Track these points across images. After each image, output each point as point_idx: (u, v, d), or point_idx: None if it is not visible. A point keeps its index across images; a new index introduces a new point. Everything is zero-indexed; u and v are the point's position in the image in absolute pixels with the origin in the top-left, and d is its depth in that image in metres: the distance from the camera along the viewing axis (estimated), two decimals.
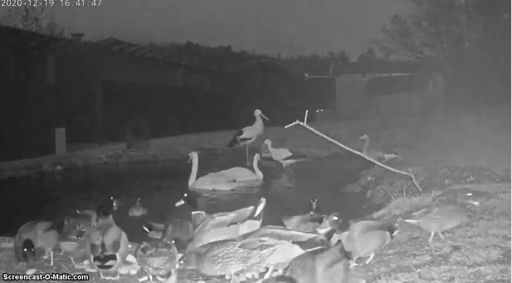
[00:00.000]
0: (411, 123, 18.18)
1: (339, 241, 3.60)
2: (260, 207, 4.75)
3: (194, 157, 9.68)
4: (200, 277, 4.12)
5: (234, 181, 9.89)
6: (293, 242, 3.86)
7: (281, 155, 11.76)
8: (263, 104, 17.08)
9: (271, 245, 3.86)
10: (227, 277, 4.01)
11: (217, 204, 8.36)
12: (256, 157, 10.45)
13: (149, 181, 10.71)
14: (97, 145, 16.09)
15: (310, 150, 14.69)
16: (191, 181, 9.58)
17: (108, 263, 4.07)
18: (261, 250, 3.84)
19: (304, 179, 10.91)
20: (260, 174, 10.29)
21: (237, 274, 3.98)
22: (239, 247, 3.88)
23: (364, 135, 10.34)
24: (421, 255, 3.91)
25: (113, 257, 4.07)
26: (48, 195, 9.29)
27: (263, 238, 3.91)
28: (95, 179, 11.98)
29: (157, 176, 11.63)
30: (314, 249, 3.66)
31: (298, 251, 3.85)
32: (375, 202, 7.45)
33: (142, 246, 4.08)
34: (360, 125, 17.82)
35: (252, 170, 10.42)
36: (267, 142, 11.90)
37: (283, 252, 3.83)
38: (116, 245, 4.10)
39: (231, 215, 4.79)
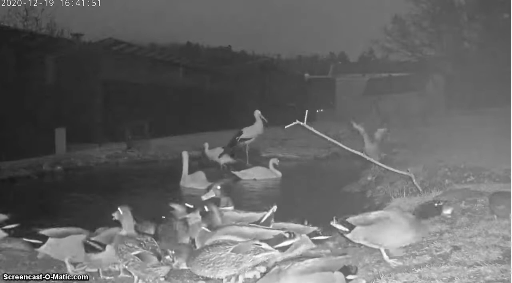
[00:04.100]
0: (411, 123, 18.17)
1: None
2: (268, 214, 4.73)
3: (185, 157, 9.97)
4: (200, 277, 4.12)
5: (255, 179, 10.38)
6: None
7: (216, 154, 12.12)
8: (263, 105, 17.05)
9: (266, 250, 3.79)
10: (224, 281, 3.99)
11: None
12: (273, 161, 10.85)
13: (149, 181, 10.73)
14: (97, 145, 16.06)
15: (310, 150, 14.71)
16: (182, 179, 9.92)
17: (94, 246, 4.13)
18: (255, 255, 3.76)
19: (308, 178, 10.95)
20: (278, 173, 10.70)
21: (229, 278, 3.93)
22: (232, 251, 3.78)
23: (354, 124, 10.02)
24: (421, 255, 3.91)
25: (100, 244, 4.14)
26: (48, 195, 9.28)
27: (257, 242, 3.83)
28: (95, 179, 11.97)
29: (157, 176, 11.64)
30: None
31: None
32: (375, 202, 7.45)
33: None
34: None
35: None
36: (205, 144, 12.45)
37: (277, 258, 3.82)
38: (106, 236, 4.19)
39: (241, 216, 4.81)
